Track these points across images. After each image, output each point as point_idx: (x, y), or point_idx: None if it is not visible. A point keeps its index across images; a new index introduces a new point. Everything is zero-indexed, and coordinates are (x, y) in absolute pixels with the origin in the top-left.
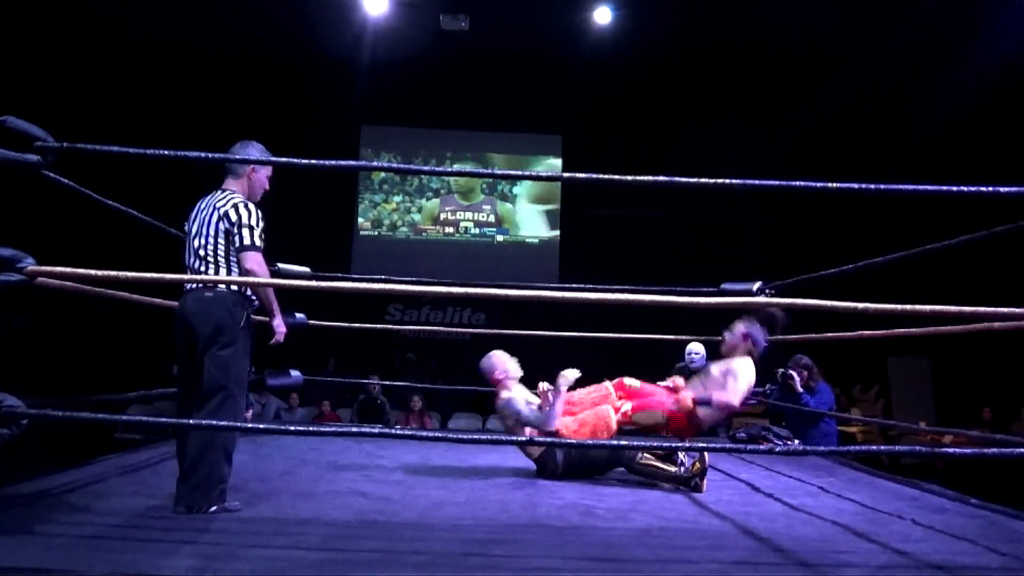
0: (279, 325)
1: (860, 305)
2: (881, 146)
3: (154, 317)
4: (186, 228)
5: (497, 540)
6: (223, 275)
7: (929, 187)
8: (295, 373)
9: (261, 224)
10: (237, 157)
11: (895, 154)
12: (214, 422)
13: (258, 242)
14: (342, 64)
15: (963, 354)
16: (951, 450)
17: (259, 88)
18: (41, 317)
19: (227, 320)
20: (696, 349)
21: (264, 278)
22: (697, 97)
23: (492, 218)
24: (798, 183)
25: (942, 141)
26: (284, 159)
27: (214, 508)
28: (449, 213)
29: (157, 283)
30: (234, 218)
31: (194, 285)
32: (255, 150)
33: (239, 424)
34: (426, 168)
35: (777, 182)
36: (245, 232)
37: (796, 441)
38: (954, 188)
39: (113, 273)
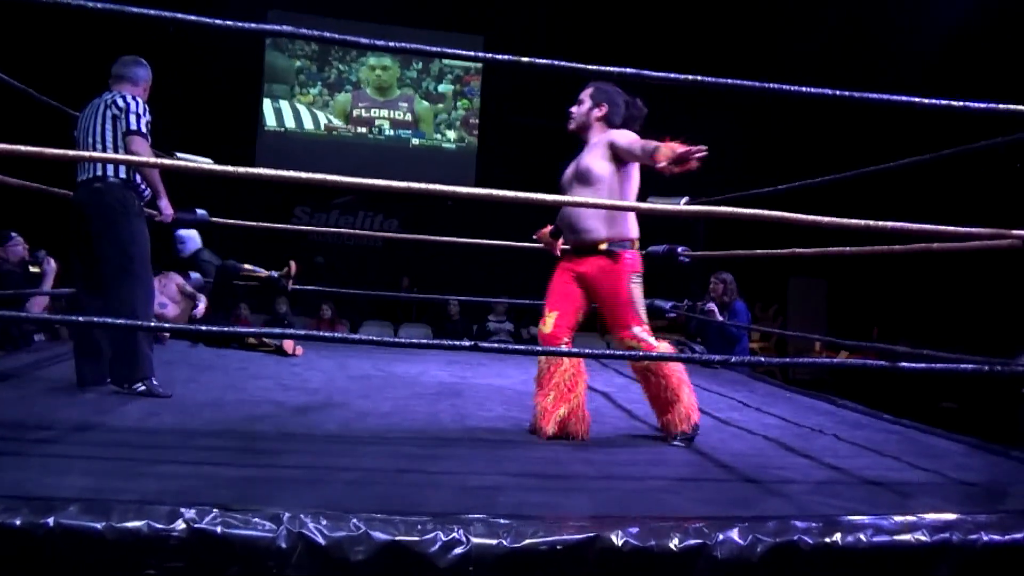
0: (166, 207)
1: (785, 215)
2: (866, 67)
3: (58, 208)
4: (75, 135)
5: (430, 455)
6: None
7: (901, 97)
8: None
9: (148, 116)
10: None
11: (881, 75)
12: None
13: (144, 129)
14: None
15: (857, 276)
16: (880, 363)
17: None
18: None
19: (118, 206)
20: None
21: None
22: None
23: (409, 117)
24: (772, 85)
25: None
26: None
27: (143, 387)
28: (363, 110)
29: (35, 157)
30: (121, 104)
31: (86, 176)
32: (146, 70)
33: (140, 323)
34: (339, 36)
35: (744, 81)
36: (132, 118)
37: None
38: (940, 102)
39: None
